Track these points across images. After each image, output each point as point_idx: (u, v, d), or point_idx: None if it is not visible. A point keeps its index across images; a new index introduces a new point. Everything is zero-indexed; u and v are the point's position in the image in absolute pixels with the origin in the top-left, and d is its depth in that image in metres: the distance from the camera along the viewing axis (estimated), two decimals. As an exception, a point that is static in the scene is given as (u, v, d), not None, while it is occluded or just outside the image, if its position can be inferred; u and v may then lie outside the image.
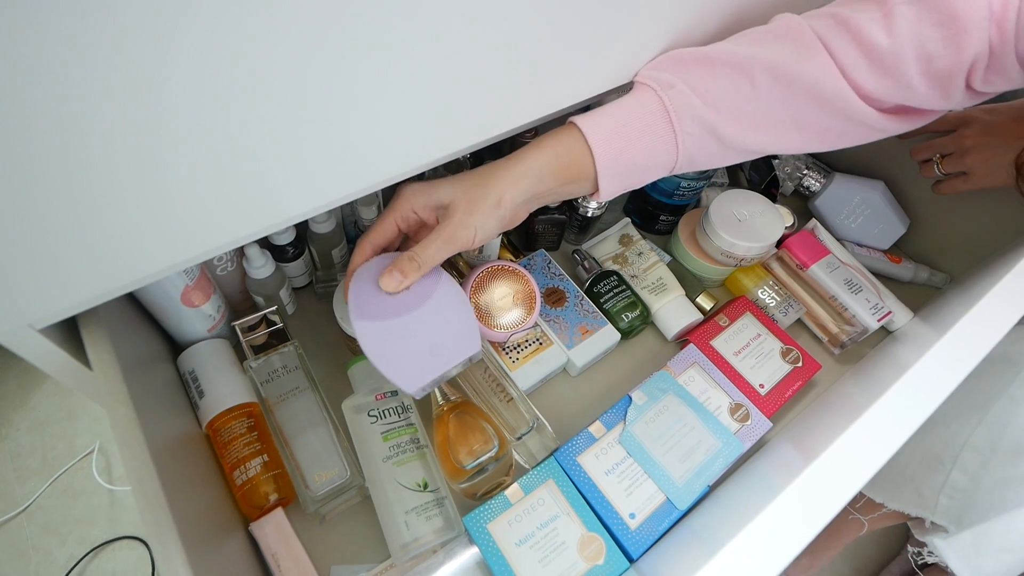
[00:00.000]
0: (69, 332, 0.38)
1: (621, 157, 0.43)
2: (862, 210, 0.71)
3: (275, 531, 0.47)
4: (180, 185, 0.30)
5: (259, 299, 0.55)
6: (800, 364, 0.62)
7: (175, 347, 0.53)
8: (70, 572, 0.78)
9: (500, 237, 0.62)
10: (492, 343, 0.57)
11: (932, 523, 0.69)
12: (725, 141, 0.43)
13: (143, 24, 0.23)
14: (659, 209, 0.70)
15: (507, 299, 0.56)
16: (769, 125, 0.43)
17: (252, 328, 0.54)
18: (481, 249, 0.61)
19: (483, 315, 0.55)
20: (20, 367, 0.95)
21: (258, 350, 0.53)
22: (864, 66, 0.40)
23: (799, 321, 0.68)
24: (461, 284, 0.57)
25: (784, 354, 0.62)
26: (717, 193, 0.66)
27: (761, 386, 0.60)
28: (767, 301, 0.65)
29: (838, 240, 0.72)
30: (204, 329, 0.52)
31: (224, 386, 0.50)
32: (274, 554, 0.46)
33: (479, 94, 0.38)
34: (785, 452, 0.55)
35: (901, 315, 0.67)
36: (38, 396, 0.94)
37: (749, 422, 0.57)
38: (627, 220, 0.71)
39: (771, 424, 0.57)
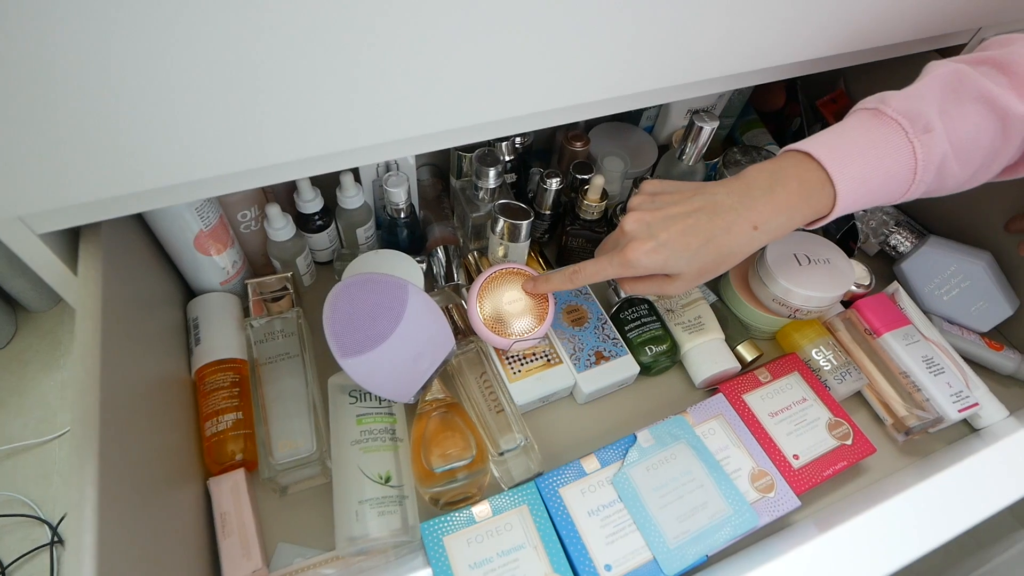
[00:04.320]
0: (71, 247, 0.40)
1: (857, 203, 0.40)
2: (959, 282, 0.61)
3: (231, 491, 0.45)
4: (211, 95, 0.29)
5: (277, 263, 0.55)
6: (849, 442, 0.52)
7: (192, 297, 0.54)
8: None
9: (528, 247, 0.59)
10: (496, 350, 0.54)
11: None
12: (944, 185, 0.41)
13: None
14: (712, 244, 0.63)
15: (517, 304, 0.52)
16: (989, 169, 0.42)
17: (264, 290, 0.54)
18: (506, 254, 0.58)
19: (489, 319, 0.51)
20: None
21: (264, 312, 0.53)
22: None
23: (859, 395, 0.59)
24: (471, 283, 0.55)
25: (831, 426, 0.53)
26: (781, 236, 0.60)
27: (795, 457, 0.51)
28: (821, 363, 0.57)
29: (924, 312, 0.62)
30: (217, 281, 0.53)
31: (220, 338, 0.50)
32: (223, 513, 0.44)
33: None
34: (810, 539, 0.46)
35: (992, 411, 0.56)
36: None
37: (772, 494, 0.49)
38: (675, 251, 0.65)
39: (799, 503, 0.48)
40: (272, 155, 0.35)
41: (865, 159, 0.39)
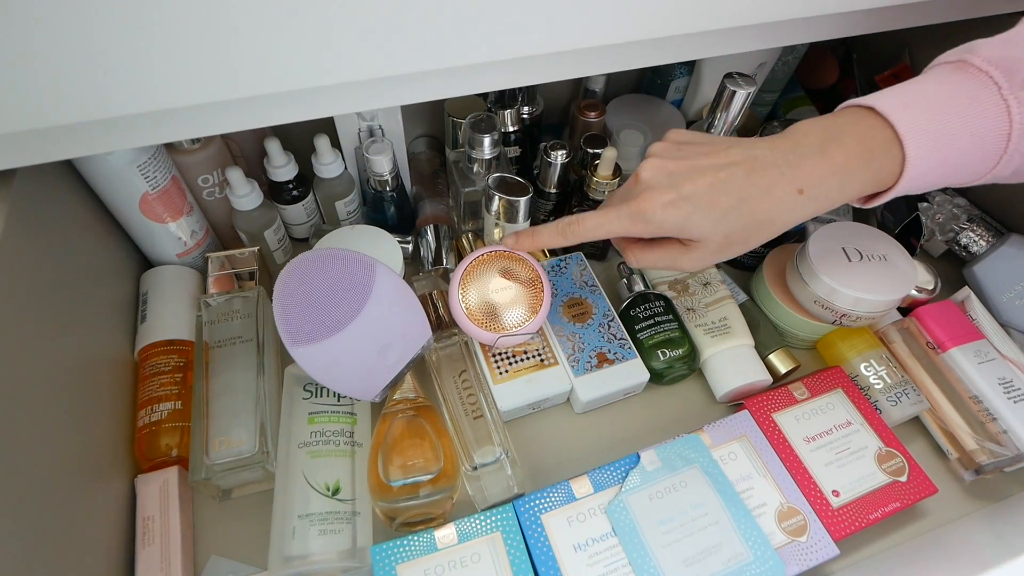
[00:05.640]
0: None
1: (929, 174, 0.32)
2: (1047, 291, 0.50)
3: (159, 491, 0.39)
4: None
5: (243, 236, 0.50)
6: (904, 479, 0.43)
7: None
8: None
9: (528, 225, 0.51)
10: (482, 345, 0.46)
11: None
12: None
13: None
14: (744, 235, 0.54)
15: (506, 293, 0.45)
16: None
17: (229, 264, 0.48)
18: (502, 237, 0.51)
19: (472, 308, 0.44)
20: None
21: (233, 289, 0.47)
22: None
23: (917, 420, 0.49)
24: (455, 266, 0.48)
25: (882, 458, 0.43)
26: (829, 230, 0.50)
27: (835, 493, 0.42)
28: (871, 380, 0.47)
29: (1001, 325, 0.52)
30: (174, 252, 0.47)
31: (169, 316, 0.45)
32: (147, 517, 0.38)
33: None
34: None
35: (1088, 451, 0.45)
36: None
37: (804, 538, 0.40)
38: (701, 243, 0.56)
39: (837, 551, 0.39)
40: (215, 89, 0.28)
41: (944, 119, 0.30)
